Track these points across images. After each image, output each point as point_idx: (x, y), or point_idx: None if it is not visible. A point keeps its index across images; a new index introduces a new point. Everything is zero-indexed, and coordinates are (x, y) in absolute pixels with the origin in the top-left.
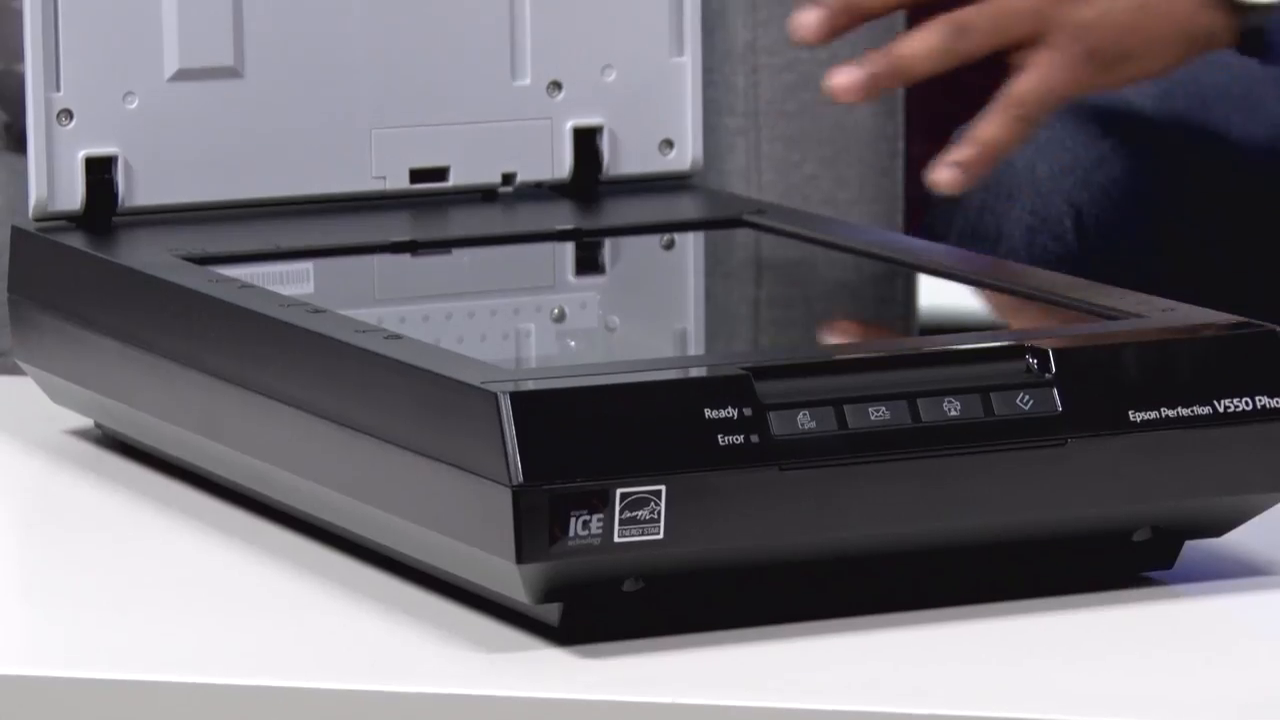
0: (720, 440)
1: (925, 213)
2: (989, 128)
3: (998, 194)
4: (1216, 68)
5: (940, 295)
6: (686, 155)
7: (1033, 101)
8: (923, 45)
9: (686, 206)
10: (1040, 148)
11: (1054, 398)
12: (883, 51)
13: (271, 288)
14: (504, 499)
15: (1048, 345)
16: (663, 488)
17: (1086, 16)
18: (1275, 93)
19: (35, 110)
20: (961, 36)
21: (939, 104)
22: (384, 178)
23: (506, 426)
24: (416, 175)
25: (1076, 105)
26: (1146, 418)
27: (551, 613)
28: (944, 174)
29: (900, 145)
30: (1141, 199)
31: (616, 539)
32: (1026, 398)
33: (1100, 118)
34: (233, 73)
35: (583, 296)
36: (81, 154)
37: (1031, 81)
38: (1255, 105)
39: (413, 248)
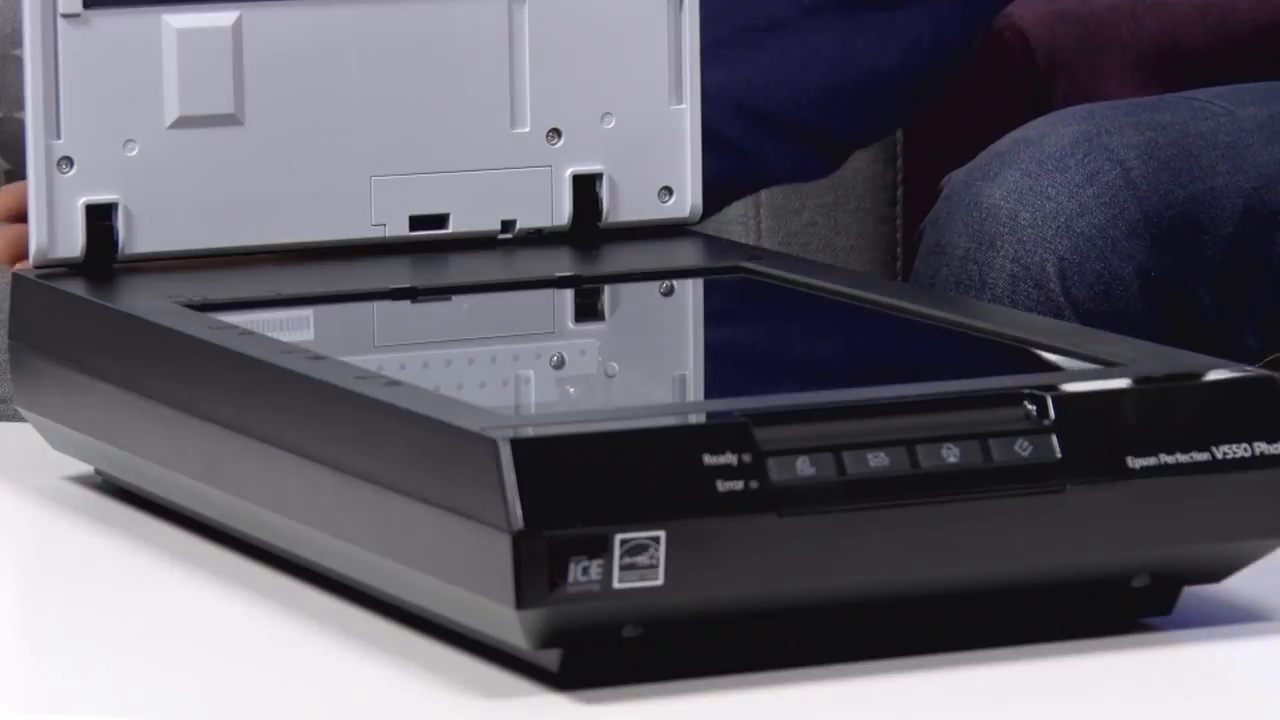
0: (719, 486)
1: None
2: None
3: (981, 243)
4: (1204, 116)
5: (939, 342)
6: (686, 202)
7: None
8: None
9: (685, 253)
10: (1022, 196)
11: (1053, 444)
12: None
13: (271, 334)
14: (503, 545)
15: (1047, 392)
16: (662, 534)
17: None
18: (1261, 141)
19: (35, 157)
20: None
21: (937, 153)
22: (384, 225)
23: (506, 472)
24: (416, 222)
25: (1058, 154)
26: (1145, 464)
27: (551, 658)
28: None
29: (898, 194)
30: (1123, 247)
31: (616, 585)
32: (1025, 444)
33: (1083, 166)
34: (233, 120)
35: (582, 343)
36: (82, 201)
37: None
38: (1241, 153)
39: (413, 294)
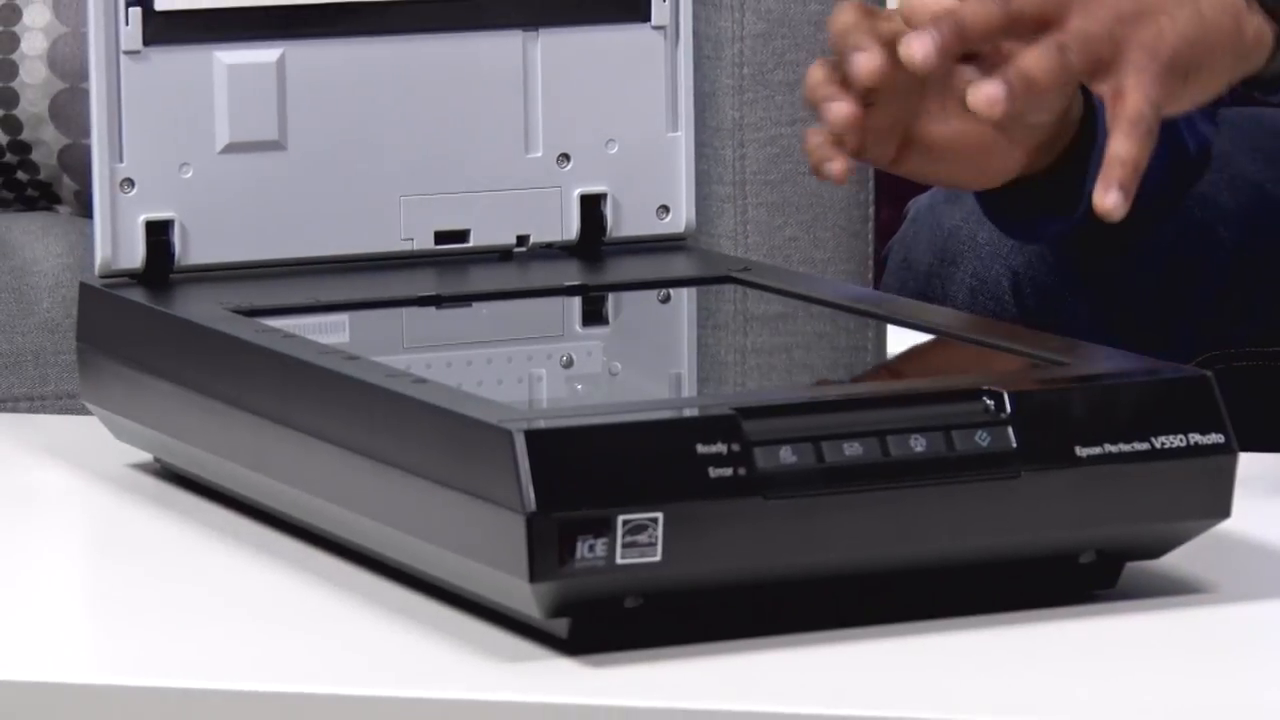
0: (711, 473)
1: (880, 276)
2: (1127, 147)
3: (943, 259)
4: None
5: (906, 343)
6: (680, 219)
7: (1150, 115)
8: (1041, 63)
9: (680, 265)
10: (981, 219)
11: (1009, 435)
12: (1009, 70)
13: (311, 337)
14: (518, 525)
15: (1004, 388)
16: (660, 515)
17: (1151, 33)
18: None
19: (101, 179)
20: (1065, 54)
21: (903, 178)
22: (412, 239)
23: (521, 460)
24: (441, 237)
25: None
26: (1092, 453)
27: (560, 626)
28: (1111, 199)
29: (870, 211)
30: (1071, 262)
31: (619, 561)
32: (984, 435)
33: None
34: (277, 146)
35: (588, 345)
36: (142, 218)
37: (1138, 98)
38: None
39: (437, 301)
